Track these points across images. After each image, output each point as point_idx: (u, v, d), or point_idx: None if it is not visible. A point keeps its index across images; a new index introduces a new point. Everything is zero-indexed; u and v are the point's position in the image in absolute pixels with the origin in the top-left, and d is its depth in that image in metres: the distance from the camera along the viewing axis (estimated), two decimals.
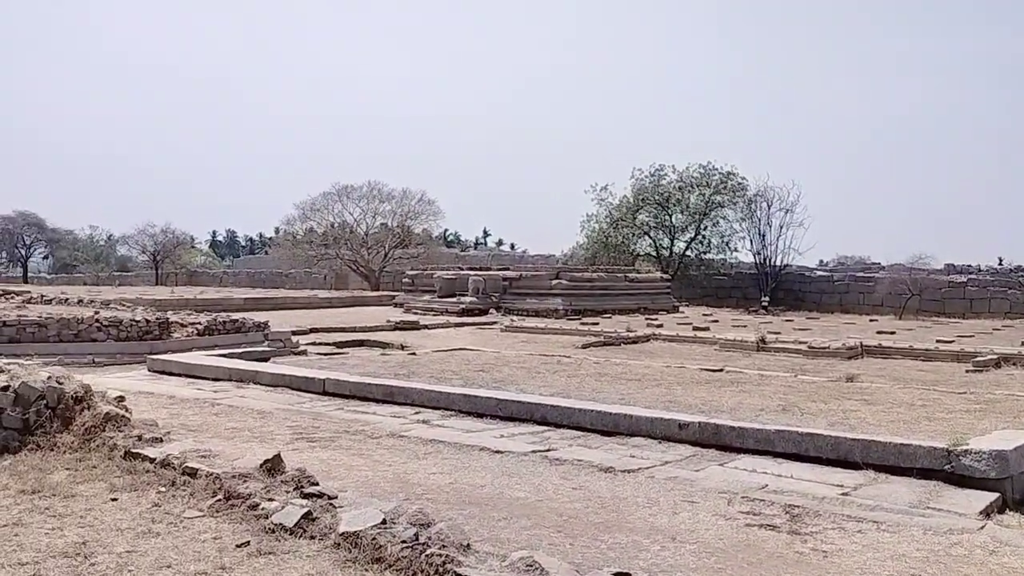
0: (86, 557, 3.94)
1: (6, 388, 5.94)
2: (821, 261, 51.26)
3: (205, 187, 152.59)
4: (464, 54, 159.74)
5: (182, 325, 15.82)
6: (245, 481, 4.78)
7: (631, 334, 19.65)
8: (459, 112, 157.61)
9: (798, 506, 5.24)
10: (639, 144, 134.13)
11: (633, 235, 43.58)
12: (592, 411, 7.90)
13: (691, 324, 23.78)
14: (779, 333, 20.10)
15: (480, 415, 8.42)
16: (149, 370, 12.23)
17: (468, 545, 3.97)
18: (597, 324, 23.24)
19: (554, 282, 30.51)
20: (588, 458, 6.59)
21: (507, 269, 34.88)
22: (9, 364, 6.60)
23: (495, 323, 25.14)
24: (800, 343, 17.28)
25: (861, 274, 38.62)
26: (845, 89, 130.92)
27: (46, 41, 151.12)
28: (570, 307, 28.96)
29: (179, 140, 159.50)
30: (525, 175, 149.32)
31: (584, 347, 17.54)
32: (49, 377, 6.23)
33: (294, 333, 17.84)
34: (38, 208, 78.30)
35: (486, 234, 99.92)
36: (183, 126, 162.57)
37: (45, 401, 6.05)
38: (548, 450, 6.89)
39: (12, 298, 22.88)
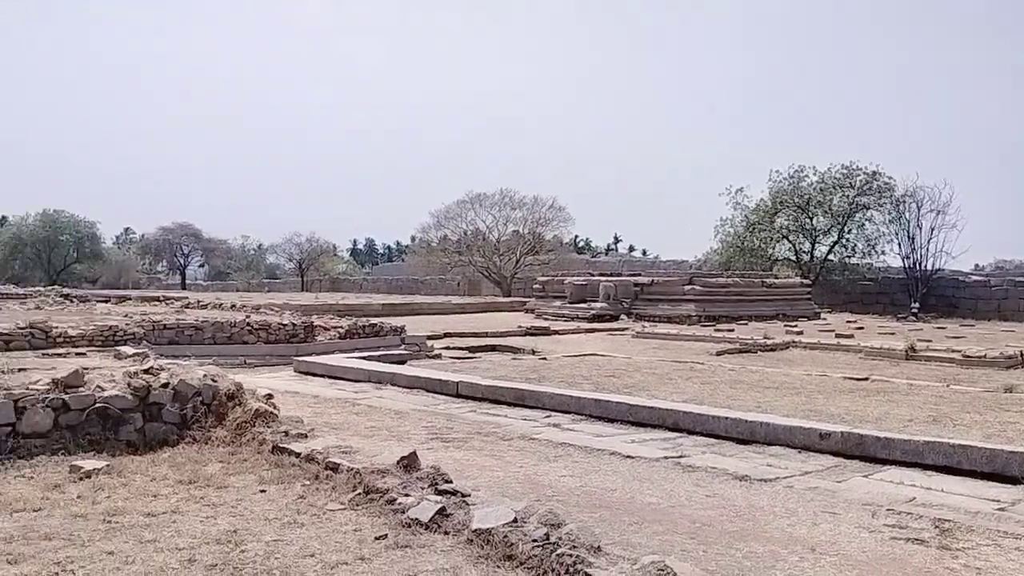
0: (237, 544, 4.17)
1: (166, 385, 6.38)
2: (977, 265, 48.00)
3: (346, 198, 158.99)
4: (601, 63, 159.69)
5: (325, 329, 16.50)
6: (383, 477, 4.94)
7: (768, 341, 19.05)
8: (593, 120, 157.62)
9: (949, 520, 4.95)
10: (775, 146, 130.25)
11: (771, 239, 42.15)
12: (727, 418, 7.72)
13: (833, 331, 22.83)
14: (930, 341, 18.99)
15: (610, 420, 8.38)
16: (295, 371, 12.82)
17: (598, 547, 3.96)
18: (732, 331, 22.65)
19: (687, 287, 29.92)
20: (722, 466, 6.44)
21: (638, 275, 34.48)
22: (169, 363, 7.08)
23: (626, 329, 24.93)
24: (953, 351, 16.27)
25: (1021, 279, 35.98)
26: (1000, 87, 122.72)
27: (210, 62, 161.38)
28: (703, 313, 28.33)
29: (323, 154, 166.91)
30: (657, 179, 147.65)
31: (718, 354, 17.11)
32: (204, 375, 6.65)
33: (429, 337, 18.28)
34: (195, 219, 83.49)
35: (617, 240, 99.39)
36: (326, 141, 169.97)
37: (201, 397, 6.46)
38: (680, 456, 6.78)
39: (172, 303, 24.55)
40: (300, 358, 13.32)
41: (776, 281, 33.48)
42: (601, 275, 34.31)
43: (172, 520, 4.55)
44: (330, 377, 12.05)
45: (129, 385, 6.22)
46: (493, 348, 19.61)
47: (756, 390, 10.79)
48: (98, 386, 6.14)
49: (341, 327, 16.74)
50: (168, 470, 5.59)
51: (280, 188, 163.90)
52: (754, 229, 42.13)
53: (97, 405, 6.00)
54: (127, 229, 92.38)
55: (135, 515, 4.60)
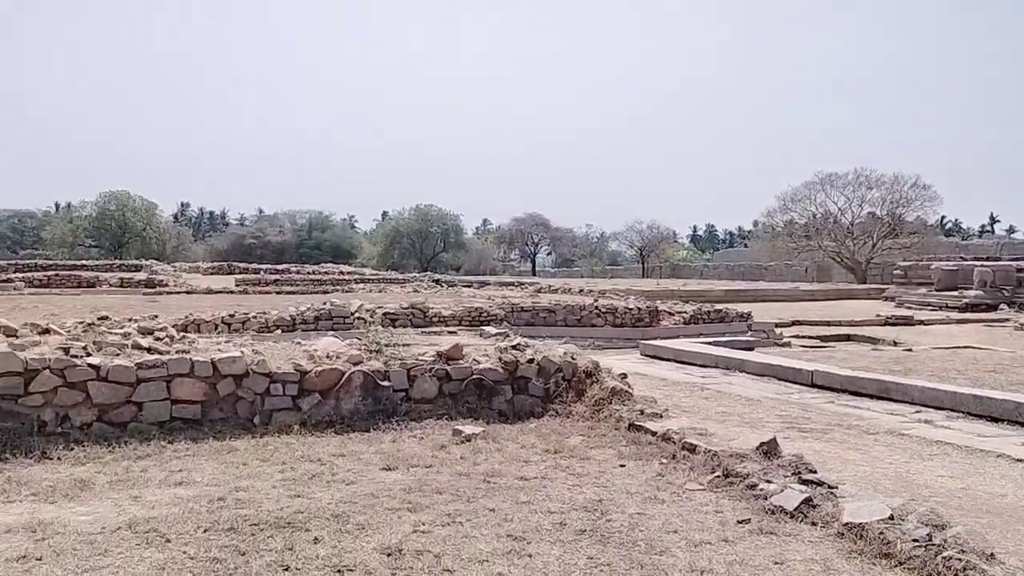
0: (603, 513, 4.36)
1: (531, 361, 6.84)
2: None
3: (686, 184, 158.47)
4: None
5: (669, 314, 16.63)
6: (742, 461, 4.87)
7: None
8: (961, 86, 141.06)
9: None
10: None
11: None
12: None
13: None
14: None
15: (994, 419, 7.48)
16: (641, 354, 13.07)
17: (992, 555, 3.57)
18: None
19: None
20: None
21: (1021, 259, 30.30)
22: (530, 342, 7.57)
23: (1006, 320, 22.06)
24: None
25: None
26: None
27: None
28: None
29: (662, 140, 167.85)
30: None
31: None
32: (565, 353, 7.03)
33: (776, 325, 17.66)
34: (544, 210, 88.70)
35: (993, 220, 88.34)
36: (665, 128, 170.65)
37: (562, 374, 6.85)
38: None
39: (526, 288, 26.29)
40: (646, 341, 13.56)
41: None
42: (975, 260, 30.67)
43: (543, 485, 4.87)
44: (676, 361, 12.11)
45: (500, 360, 6.77)
46: (847, 338, 18.48)
47: None
48: (474, 359, 6.76)
49: (685, 312, 16.75)
50: (535, 439, 6.00)
51: (622, 176, 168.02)
52: None
53: (474, 376, 6.62)
54: (485, 220, 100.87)
55: (510, 478, 5.00)
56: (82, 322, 11.20)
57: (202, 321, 13.30)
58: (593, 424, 6.31)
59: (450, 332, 13.82)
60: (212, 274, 37.58)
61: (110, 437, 5.62)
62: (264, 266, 40.90)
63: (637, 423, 6.04)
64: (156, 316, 13.02)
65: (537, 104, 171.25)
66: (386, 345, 6.83)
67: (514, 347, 7.01)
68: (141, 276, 28.67)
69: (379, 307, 15.01)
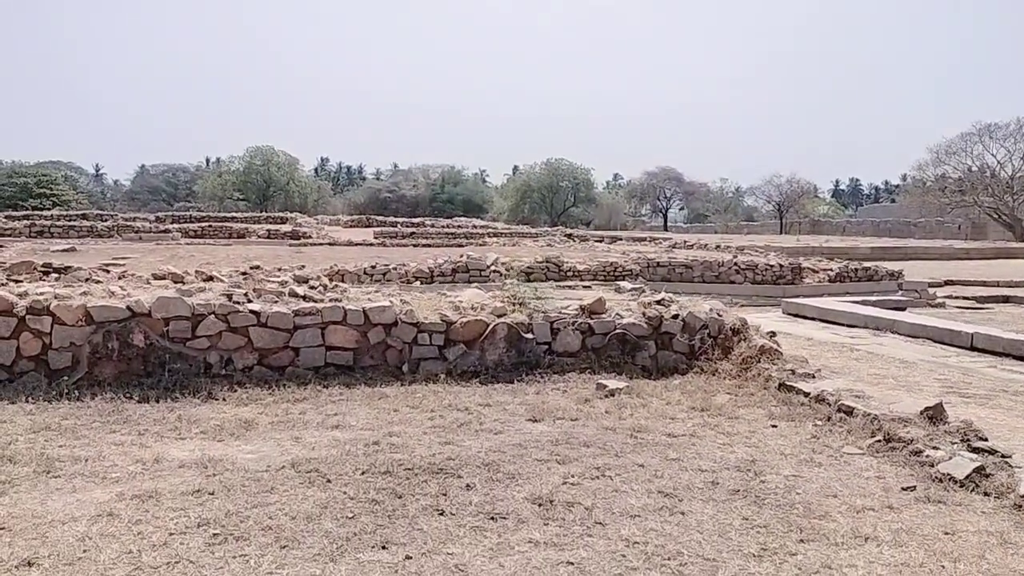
0: (756, 474, 4.24)
1: (676, 317, 6.71)
2: None
3: (830, 136, 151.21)
4: None
5: (813, 271, 16.00)
6: (905, 426, 4.63)
7: None
8: None
9: None
10: None
11: None
12: None
13: None
14: None
15: None
16: (783, 312, 12.64)
17: None
18: None
19: None
20: None
21: None
22: (674, 297, 7.42)
23: None
24: None
25: None
26: None
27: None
28: None
29: (805, 89, 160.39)
30: None
31: None
32: (711, 309, 6.86)
33: (929, 285, 16.70)
34: (677, 164, 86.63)
35: None
36: (802, 77, 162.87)
37: (708, 330, 6.69)
38: None
39: (659, 243, 25.86)
40: (789, 299, 13.10)
41: None
42: None
43: (691, 443, 4.79)
44: (821, 320, 11.65)
45: (644, 315, 6.67)
46: (1006, 299, 17.23)
47: None
48: (617, 314, 6.69)
49: (830, 270, 16.08)
50: (680, 396, 5.90)
51: (758, 127, 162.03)
52: None
53: (616, 331, 6.55)
54: (616, 175, 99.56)
55: (657, 434, 4.94)
56: (236, 270, 11.82)
57: (346, 272, 13.76)
58: (740, 383, 6.14)
59: (584, 287, 13.78)
60: (352, 227, 38.79)
61: (269, 380, 5.90)
62: (400, 220, 41.93)
63: (788, 383, 5.83)
64: (304, 266, 13.59)
65: (674, 56, 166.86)
66: (529, 298, 6.85)
67: (658, 302, 6.89)
68: (286, 228, 29.96)
69: (514, 261, 15.11)
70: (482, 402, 5.64)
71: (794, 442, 4.83)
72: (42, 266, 6.83)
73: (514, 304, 6.75)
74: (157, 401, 5.42)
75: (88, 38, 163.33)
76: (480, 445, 4.67)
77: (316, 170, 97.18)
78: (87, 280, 6.58)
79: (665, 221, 74.12)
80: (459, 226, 36.23)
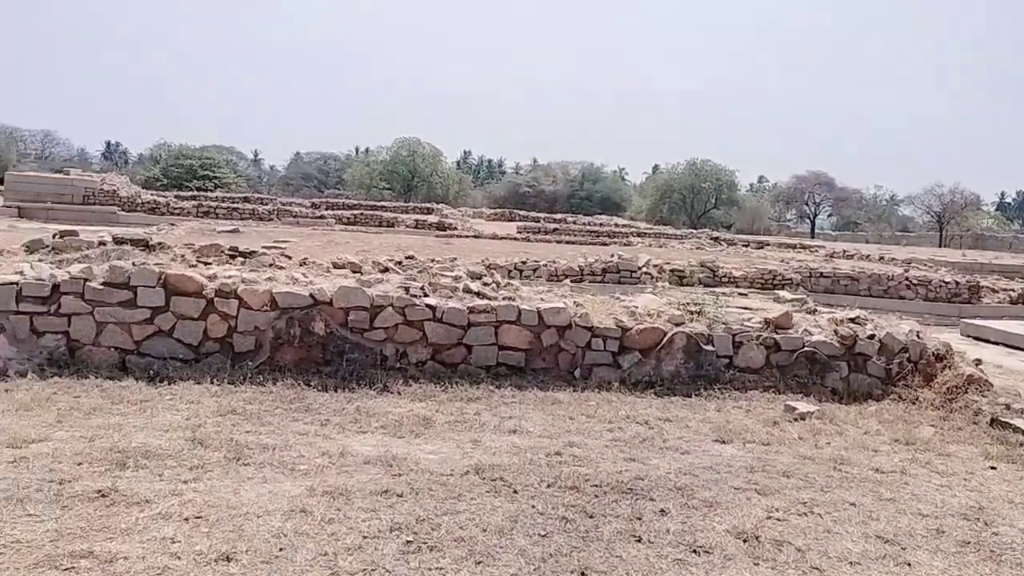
0: (986, 524, 3.79)
1: (871, 337, 6.18)
2: None
3: (994, 141, 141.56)
4: None
5: (992, 291, 14.81)
6: None
7: None
8: None
9: None
10: None
11: None
12: None
13: None
14: None
15: None
16: (961, 334, 11.71)
17: None
18: None
19: None
20: None
21: None
22: (870, 315, 6.86)
23: None
24: None
25: None
26: None
27: None
28: None
29: (967, 91, 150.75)
30: None
31: None
32: (910, 331, 6.30)
33: None
34: (829, 168, 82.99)
35: None
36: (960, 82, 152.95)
37: (908, 354, 6.14)
38: None
39: (814, 251, 24.65)
40: (968, 320, 12.13)
41: None
42: None
43: (904, 481, 4.35)
44: (1005, 345, 10.71)
45: (836, 332, 6.20)
46: None
47: None
48: (805, 330, 6.24)
49: (1012, 290, 14.85)
50: (878, 425, 5.42)
51: (917, 136, 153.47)
52: None
53: (805, 348, 6.11)
54: (761, 177, 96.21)
55: (862, 468, 4.52)
56: (392, 259, 11.92)
57: (496, 266, 13.71)
58: (945, 415, 5.58)
59: (740, 294, 13.19)
60: (494, 220, 39.09)
61: (442, 376, 5.81)
62: (542, 215, 41.90)
63: (1002, 419, 5.26)
64: (455, 259, 13.61)
65: (842, 56, 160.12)
66: (709, 307, 6.49)
67: (852, 320, 6.38)
68: (432, 219, 30.43)
69: (666, 263, 14.69)
70: (661, 416, 5.35)
71: (1021, 489, 4.30)
72: (228, 249, 7.01)
73: (691, 312, 6.41)
74: (336, 390, 5.42)
75: (240, 36, 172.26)
76: (668, 465, 4.39)
77: (458, 163, 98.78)
78: (270, 265, 6.69)
79: (812, 227, 71.01)
80: (601, 224, 35.81)
